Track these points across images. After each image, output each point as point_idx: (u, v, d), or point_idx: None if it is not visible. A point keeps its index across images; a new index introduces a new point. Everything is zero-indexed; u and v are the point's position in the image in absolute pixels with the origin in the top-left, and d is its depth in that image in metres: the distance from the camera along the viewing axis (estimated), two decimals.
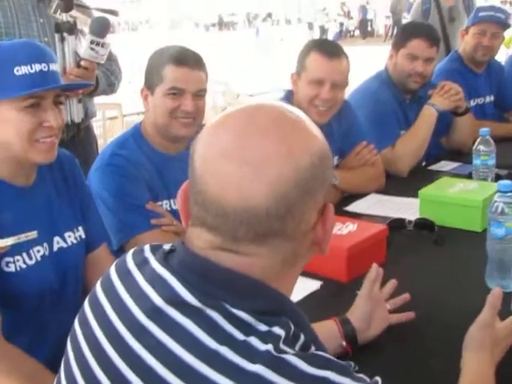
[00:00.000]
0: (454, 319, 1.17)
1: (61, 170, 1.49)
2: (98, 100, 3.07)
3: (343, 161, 2.28)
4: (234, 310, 0.70)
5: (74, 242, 1.47)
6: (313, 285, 1.51)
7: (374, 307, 1.24)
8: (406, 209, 1.98)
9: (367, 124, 2.38)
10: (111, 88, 2.54)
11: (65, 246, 1.45)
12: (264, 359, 0.66)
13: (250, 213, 0.71)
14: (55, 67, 1.35)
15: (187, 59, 1.75)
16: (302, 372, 0.66)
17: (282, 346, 0.68)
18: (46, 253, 1.40)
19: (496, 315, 1.11)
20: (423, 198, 1.88)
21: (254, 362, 0.66)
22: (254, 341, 0.68)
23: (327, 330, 1.19)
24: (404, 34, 2.55)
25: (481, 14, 2.96)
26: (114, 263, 0.86)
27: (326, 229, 0.77)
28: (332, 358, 0.71)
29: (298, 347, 0.71)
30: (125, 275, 0.81)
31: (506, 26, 3.00)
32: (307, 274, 1.53)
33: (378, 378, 0.71)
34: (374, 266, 1.26)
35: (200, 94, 1.77)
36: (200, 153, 0.75)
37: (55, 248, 1.43)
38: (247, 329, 0.69)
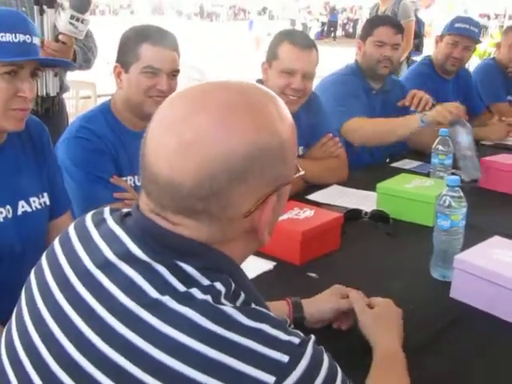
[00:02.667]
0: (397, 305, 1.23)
1: (29, 137, 1.51)
2: (72, 78, 3.08)
3: (308, 151, 2.34)
4: (181, 264, 0.74)
5: (39, 207, 1.50)
6: (266, 265, 1.56)
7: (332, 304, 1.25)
8: (365, 201, 2.04)
9: (333, 103, 2.47)
10: (87, 64, 2.56)
11: (29, 210, 1.48)
12: (199, 306, 0.70)
13: (174, 187, 0.73)
14: (37, 41, 1.37)
15: (163, 39, 1.80)
16: (237, 321, 0.70)
17: (222, 300, 0.72)
18: (9, 215, 1.42)
19: (362, 299, 1.22)
20: (380, 191, 1.95)
21: (189, 307, 0.70)
22: (194, 291, 0.71)
23: (278, 309, 1.22)
24: (370, 25, 2.69)
25: (457, 25, 3.05)
26: (74, 222, 0.90)
27: (261, 220, 0.78)
28: (270, 313, 0.75)
29: (238, 304, 0.74)
30: (82, 232, 0.85)
31: (477, 41, 3.11)
32: (262, 254, 1.59)
33: (312, 335, 0.75)
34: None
35: (174, 74, 1.83)
36: (152, 120, 0.79)
37: (19, 212, 1.45)
38: (190, 281, 0.73)
